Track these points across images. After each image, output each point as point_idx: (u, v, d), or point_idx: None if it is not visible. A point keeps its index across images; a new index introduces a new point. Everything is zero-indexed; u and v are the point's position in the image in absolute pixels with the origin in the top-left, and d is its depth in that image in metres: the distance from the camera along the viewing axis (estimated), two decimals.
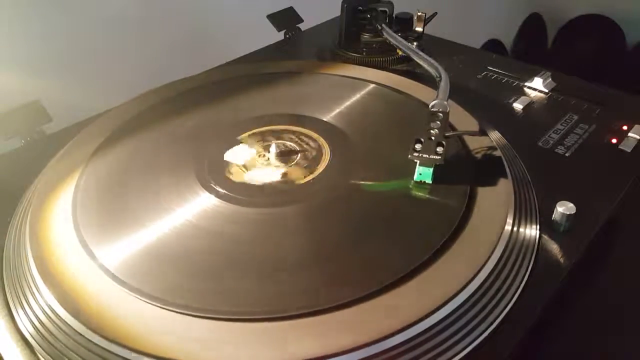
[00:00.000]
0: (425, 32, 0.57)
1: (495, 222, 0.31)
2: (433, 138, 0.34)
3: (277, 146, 0.38)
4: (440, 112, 0.36)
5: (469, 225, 0.31)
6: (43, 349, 0.27)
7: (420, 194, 0.34)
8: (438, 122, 0.35)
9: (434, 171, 0.34)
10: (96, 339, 0.25)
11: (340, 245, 0.30)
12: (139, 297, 0.27)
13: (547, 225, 0.34)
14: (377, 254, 0.29)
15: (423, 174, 0.34)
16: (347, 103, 0.44)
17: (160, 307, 0.26)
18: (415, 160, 0.34)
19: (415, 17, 0.56)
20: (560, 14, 1.47)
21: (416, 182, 0.34)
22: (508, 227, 0.31)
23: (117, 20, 0.64)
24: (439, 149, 0.33)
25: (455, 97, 0.42)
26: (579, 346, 0.32)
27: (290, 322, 0.25)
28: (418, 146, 0.34)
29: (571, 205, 0.33)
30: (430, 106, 0.37)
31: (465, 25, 1.22)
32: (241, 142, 0.39)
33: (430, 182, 0.34)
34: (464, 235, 0.30)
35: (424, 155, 0.33)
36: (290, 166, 0.37)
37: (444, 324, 0.26)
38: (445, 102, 0.37)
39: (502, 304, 0.28)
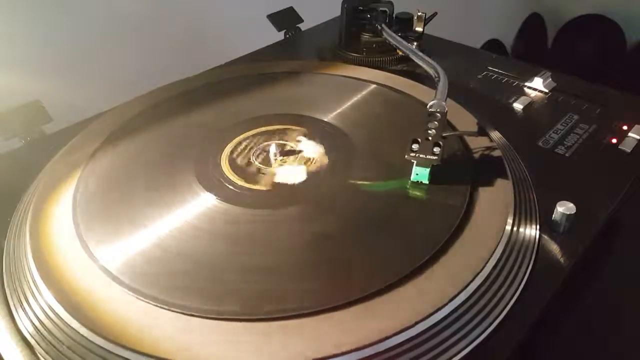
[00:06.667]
0: (425, 32, 0.57)
1: (495, 222, 0.31)
2: (430, 138, 0.34)
3: (277, 146, 0.38)
4: (437, 112, 0.36)
5: (469, 225, 0.31)
6: (43, 349, 0.27)
7: (419, 194, 0.34)
8: (435, 122, 0.35)
9: (431, 171, 0.34)
10: (96, 339, 0.25)
11: (339, 245, 0.30)
12: (139, 297, 0.27)
13: (547, 225, 0.34)
14: (377, 255, 0.29)
15: (420, 174, 0.34)
16: (347, 103, 0.44)
17: (160, 307, 0.26)
18: (412, 161, 0.34)
19: (415, 17, 0.56)
20: (560, 14, 1.47)
21: (413, 182, 0.34)
22: (508, 227, 0.31)
23: (117, 20, 0.64)
24: (436, 150, 0.33)
25: (455, 97, 0.42)
26: (579, 346, 0.32)
27: (290, 322, 0.25)
28: (415, 146, 0.34)
29: (571, 205, 0.33)
30: (428, 106, 0.37)
31: (465, 25, 1.22)
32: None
33: (427, 182, 0.34)
34: (464, 236, 0.30)
35: (421, 156, 0.33)
36: (302, 156, 0.37)
37: (444, 324, 0.26)
38: (443, 103, 0.37)
39: (502, 304, 0.28)
